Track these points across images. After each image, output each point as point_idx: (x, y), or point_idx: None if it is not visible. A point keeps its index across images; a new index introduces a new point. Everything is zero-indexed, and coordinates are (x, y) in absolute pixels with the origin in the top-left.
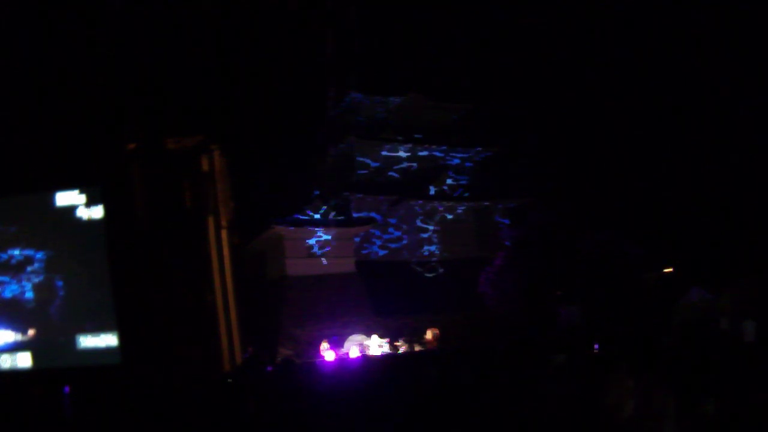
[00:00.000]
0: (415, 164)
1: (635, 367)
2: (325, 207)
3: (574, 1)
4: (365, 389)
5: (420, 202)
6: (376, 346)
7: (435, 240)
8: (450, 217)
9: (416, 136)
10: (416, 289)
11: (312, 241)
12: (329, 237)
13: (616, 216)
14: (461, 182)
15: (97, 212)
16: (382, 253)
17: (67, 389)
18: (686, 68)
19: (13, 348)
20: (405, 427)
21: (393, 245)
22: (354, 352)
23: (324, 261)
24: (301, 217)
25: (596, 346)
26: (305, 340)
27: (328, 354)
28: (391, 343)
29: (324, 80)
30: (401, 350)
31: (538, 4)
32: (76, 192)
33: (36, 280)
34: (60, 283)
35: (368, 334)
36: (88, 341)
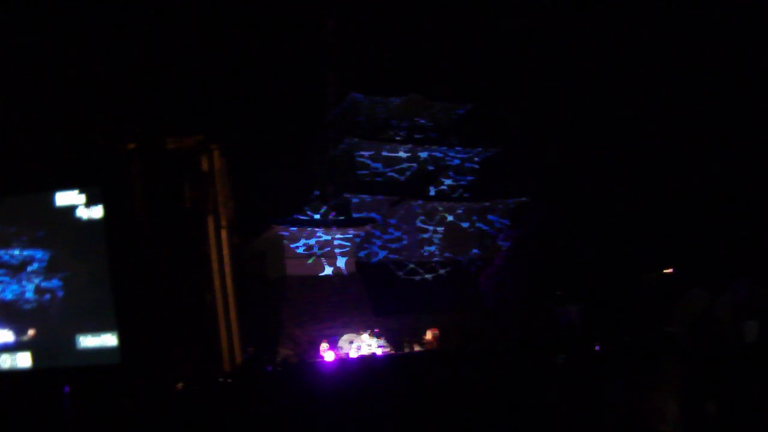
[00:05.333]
0: (415, 164)
1: (636, 367)
2: (325, 207)
3: (574, 1)
4: (362, 389)
5: (420, 202)
6: (366, 345)
7: (435, 240)
8: (450, 217)
9: (416, 136)
10: (416, 289)
11: (312, 241)
12: (329, 237)
13: (617, 215)
14: (461, 182)
15: (97, 212)
16: (382, 253)
17: (67, 389)
18: (686, 68)
19: (13, 348)
20: (404, 426)
21: (393, 245)
22: (352, 352)
23: (324, 261)
24: (301, 217)
25: (597, 347)
26: (305, 340)
27: (327, 354)
28: (375, 338)
29: (324, 80)
30: (382, 351)
31: (538, 4)
32: (76, 192)
33: (36, 280)
34: (60, 283)
35: (368, 335)
36: (88, 341)
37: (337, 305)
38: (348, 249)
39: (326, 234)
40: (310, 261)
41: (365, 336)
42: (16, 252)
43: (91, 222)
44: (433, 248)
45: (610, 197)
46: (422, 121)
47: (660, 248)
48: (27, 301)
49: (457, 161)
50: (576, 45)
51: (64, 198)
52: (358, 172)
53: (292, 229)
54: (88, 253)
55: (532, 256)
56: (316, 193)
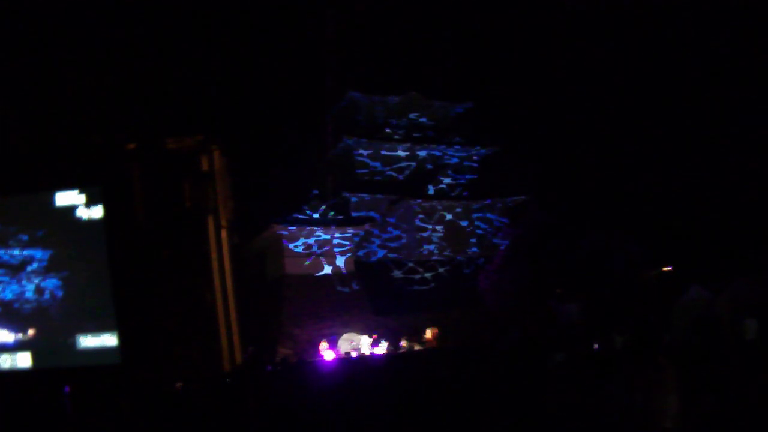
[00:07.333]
0: (413, 163)
1: (636, 365)
2: (324, 206)
3: (574, 1)
4: (362, 388)
5: (419, 201)
6: (367, 345)
7: (434, 239)
8: (449, 216)
9: (415, 135)
10: (416, 288)
11: (311, 241)
12: (328, 236)
13: (616, 214)
14: (460, 181)
15: (97, 212)
16: (381, 252)
17: (67, 389)
18: (686, 68)
19: (13, 348)
20: (404, 425)
21: (392, 244)
22: (349, 352)
23: (323, 260)
24: (300, 216)
25: (596, 345)
26: (305, 340)
27: (327, 353)
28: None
29: (323, 80)
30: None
31: (537, 3)
32: (76, 192)
33: (36, 280)
34: (60, 283)
35: (368, 334)
36: (88, 341)
37: (336, 304)
38: (347, 248)
39: (325, 233)
40: (309, 260)
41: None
42: (16, 252)
43: (91, 222)
44: (432, 247)
45: (609, 195)
46: (421, 120)
47: (660, 246)
48: (27, 301)
49: (455, 160)
50: (575, 44)
51: (64, 198)
52: (357, 171)
53: (291, 228)
54: (88, 253)
55: (531, 254)
56: (315, 192)
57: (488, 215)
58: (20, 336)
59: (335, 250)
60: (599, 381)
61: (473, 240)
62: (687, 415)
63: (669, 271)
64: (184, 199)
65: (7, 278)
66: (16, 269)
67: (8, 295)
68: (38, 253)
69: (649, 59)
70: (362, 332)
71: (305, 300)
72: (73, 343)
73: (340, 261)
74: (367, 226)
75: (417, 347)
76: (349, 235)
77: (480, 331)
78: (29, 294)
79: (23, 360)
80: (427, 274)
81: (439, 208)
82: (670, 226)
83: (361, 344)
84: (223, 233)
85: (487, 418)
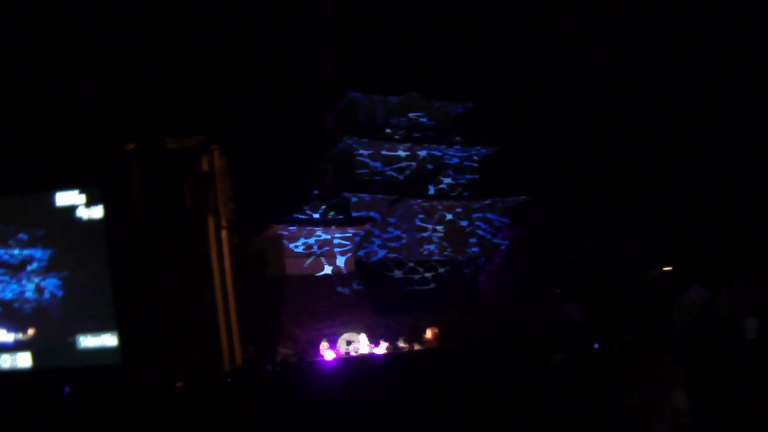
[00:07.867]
0: (414, 163)
1: (636, 364)
2: (324, 206)
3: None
4: (362, 388)
5: (419, 201)
6: (366, 345)
7: (434, 239)
8: (449, 216)
9: (415, 135)
10: (416, 288)
11: (311, 241)
12: (328, 236)
13: (616, 214)
14: (460, 181)
15: (97, 212)
16: (381, 252)
17: (67, 389)
18: (686, 67)
19: (13, 348)
20: (404, 425)
21: (392, 244)
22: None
23: (323, 260)
24: (300, 216)
25: (596, 345)
26: (305, 340)
27: (327, 353)
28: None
29: (323, 80)
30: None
31: (537, 2)
32: (76, 192)
33: (36, 279)
34: (60, 283)
35: (368, 334)
36: (88, 341)
37: (336, 304)
38: (347, 248)
39: (325, 233)
40: (309, 260)
41: (364, 336)
42: (16, 251)
43: (91, 222)
44: (432, 247)
45: (609, 195)
46: (421, 120)
47: (660, 246)
48: (27, 300)
49: (456, 160)
50: (575, 43)
51: (64, 198)
52: (357, 171)
53: (291, 228)
54: (88, 253)
55: (531, 254)
56: (316, 192)
57: (488, 215)
58: (20, 336)
59: (335, 250)
60: (600, 381)
61: (473, 240)
62: (686, 416)
63: (669, 271)
64: (184, 199)
65: (7, 278)
66: (16, 269)
67: (8, 295)
68: (38, 253)
69: (650, 59)
70: (362, 332)
71: (305, 300)
72: (73, 343)
73: (340, 261)
74: (367, 226)
75: (417, 347)
76: (350, 235)
77: (480, 331)
78: (29, 293)
79: (23, 360)
80: (428, 274)
81: (440, 208)
82: (670, 226)
83: (361, 344)
84: (223, 233)
85: (487, 418)
